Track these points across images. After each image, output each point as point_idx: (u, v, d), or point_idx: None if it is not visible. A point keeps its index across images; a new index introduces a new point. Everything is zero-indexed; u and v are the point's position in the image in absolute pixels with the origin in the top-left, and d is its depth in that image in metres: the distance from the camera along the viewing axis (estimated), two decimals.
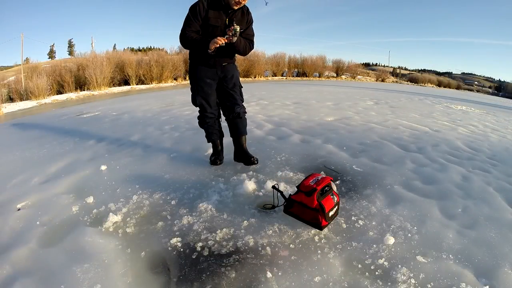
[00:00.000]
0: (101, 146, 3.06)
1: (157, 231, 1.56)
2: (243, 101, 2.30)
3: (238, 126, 2.28)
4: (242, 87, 2.30)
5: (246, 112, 2.32)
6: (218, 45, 1.93)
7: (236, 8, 1.97)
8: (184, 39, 2.00)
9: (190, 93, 2.25)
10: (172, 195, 1.90)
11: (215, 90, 2.23)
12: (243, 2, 1.95)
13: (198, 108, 2.28)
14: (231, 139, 2.36)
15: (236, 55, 2.24)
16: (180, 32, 2.02)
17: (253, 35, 2.18)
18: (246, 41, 2.11)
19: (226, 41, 1.94)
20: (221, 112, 2.33)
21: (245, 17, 2.08)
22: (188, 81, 2.28)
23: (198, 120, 2.33)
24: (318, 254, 1.38)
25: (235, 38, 1.95)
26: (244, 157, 2.35)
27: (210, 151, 2.53)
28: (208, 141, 2.38)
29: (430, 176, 2.32)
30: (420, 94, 12.63)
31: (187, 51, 2.21)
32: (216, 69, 2.13)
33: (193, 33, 1.99)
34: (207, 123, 2.27)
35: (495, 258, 1.40)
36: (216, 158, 2.38)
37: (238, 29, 1.92)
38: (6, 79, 16.84)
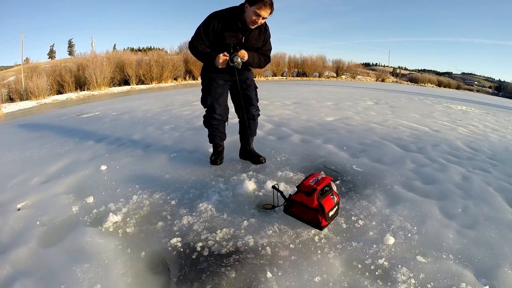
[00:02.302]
0: (101, 146, 3.06)
1: (157, 231, 1.56)
2: (258, 101, 2.31)
3: (250, 127, 2.31)
4: (257, 87, 2.30)
5: (260, 115, 2.34)
6: (224, 65, 1.97)
7: (253, 27, 1.96)
8: (193, 49, 2.05)
9: (195, 94, 2.25)
10: (172, 195, 1.90)
11: (229, 92, 2.24)
12: (259, 22, 1.92)
13: (205, 108, 2.25)
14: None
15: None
16: (190, 40, 2.07)
17: (270, 50, 2.20)
18: (262, 56, 2.14)
19: (228, 58, 1.96)
20: (235, 111, 2.32)
21: (262, 35, 2.09)
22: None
23: (203, 120, 2.30)
24: (318, 254, 1.38)
25: (240, 64, 1.97)
26: (251, 156, 2.40)
27: (210, 150, 2.53)
28: (210, 142, 2.37)
29: (430, 176, 2.32)
30: (420, 94, 12.63)
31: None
32: (230, 74, 2.13)
33: (201, 45, 2.01)
34: (212, 124, 2.24)
35: (495, 258, 1.40)
36: (217, 158, 2.37)
37: (239, 60, 1.95)
38: (6, 79, 16.83)
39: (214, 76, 2.13)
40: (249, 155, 2.41)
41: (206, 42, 2.00)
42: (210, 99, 2.17)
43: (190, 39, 2.08)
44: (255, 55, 2.09)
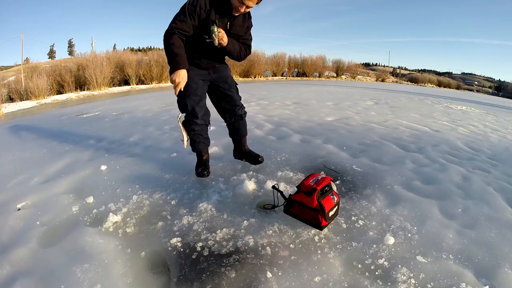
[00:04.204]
0: (101, 146, 3.06)
1: (157, 231, 1.56)
2: (241, 99, 2.21)
3: (240, 127, 2.24)
4: (237, 84, 2.18)
5: (246, 113, 2.26)
6: (179, 89, 1.75)
7: (236, 14, 1.86)
8: (166, 41, 1.76)
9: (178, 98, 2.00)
10: (172, 195, 1.90)
11: (208, 94, 2.12)
12: (242, 10, 1.79)
13: (184, 114, 2.04)
14: (231, 139, 2.35)
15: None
16: (168, 26, 1.77)
17: (250, 39, 2.03)
18: (243, 46, 1.97)
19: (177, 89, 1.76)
20: (219, 114, 2.22)
21: (246, 22, 1.97)
22: None
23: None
24: (318, 254, 1.38)
25: (217, 40, 1.77)
26: (248, 156, 2.34)
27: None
28: (194, 150, 2.18)
29: (430, 176, 2.32)
30: (420, 94, 12.63)
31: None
32: (208, 70, 2.01)
33: (180, 34, 1.77)
34: (195, 131, 2.05)
35: (495, 258, 1.40)
36: (203, 169, 2.18)
37: (215, 29, 1.73)
38: (6, 79, 16.83)
39: (192, 75, 1.90)
40: (246, 156, 2.35)
41: (188, 27, 1.77)
42: (190, 103, 1.96)
43: (168, 26, 1.77)
44: (235, 42, 1.93)
